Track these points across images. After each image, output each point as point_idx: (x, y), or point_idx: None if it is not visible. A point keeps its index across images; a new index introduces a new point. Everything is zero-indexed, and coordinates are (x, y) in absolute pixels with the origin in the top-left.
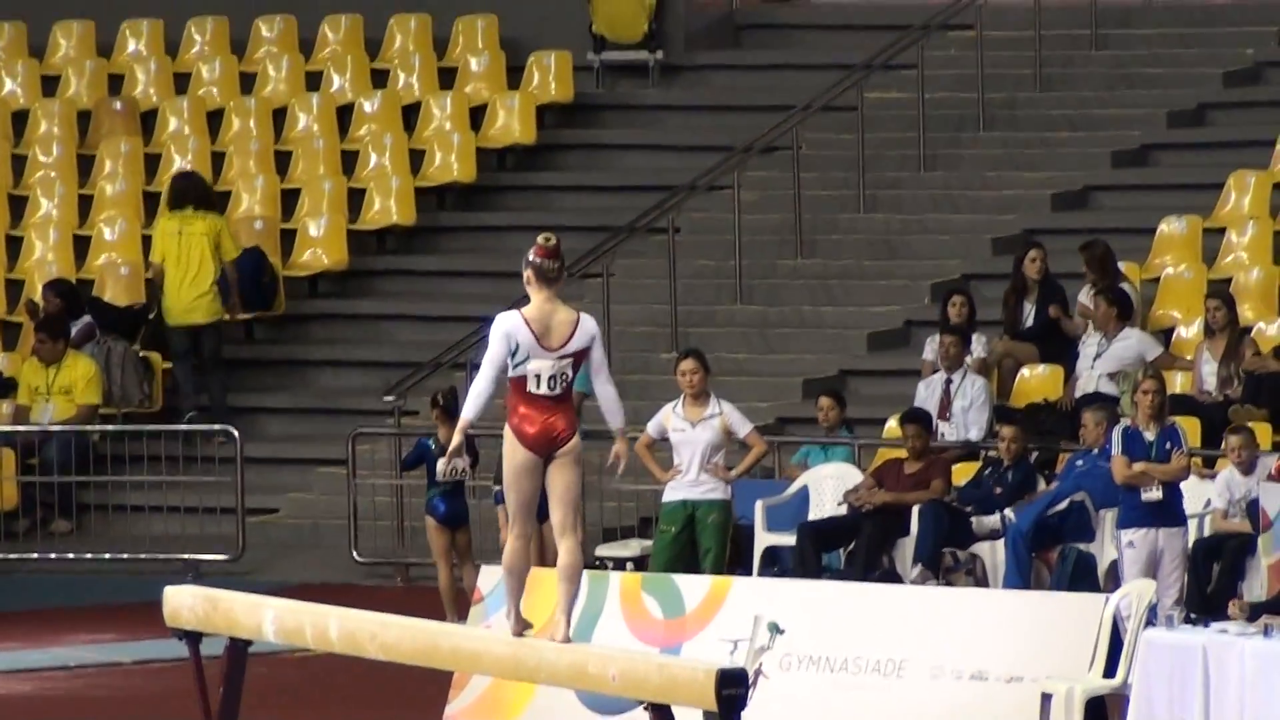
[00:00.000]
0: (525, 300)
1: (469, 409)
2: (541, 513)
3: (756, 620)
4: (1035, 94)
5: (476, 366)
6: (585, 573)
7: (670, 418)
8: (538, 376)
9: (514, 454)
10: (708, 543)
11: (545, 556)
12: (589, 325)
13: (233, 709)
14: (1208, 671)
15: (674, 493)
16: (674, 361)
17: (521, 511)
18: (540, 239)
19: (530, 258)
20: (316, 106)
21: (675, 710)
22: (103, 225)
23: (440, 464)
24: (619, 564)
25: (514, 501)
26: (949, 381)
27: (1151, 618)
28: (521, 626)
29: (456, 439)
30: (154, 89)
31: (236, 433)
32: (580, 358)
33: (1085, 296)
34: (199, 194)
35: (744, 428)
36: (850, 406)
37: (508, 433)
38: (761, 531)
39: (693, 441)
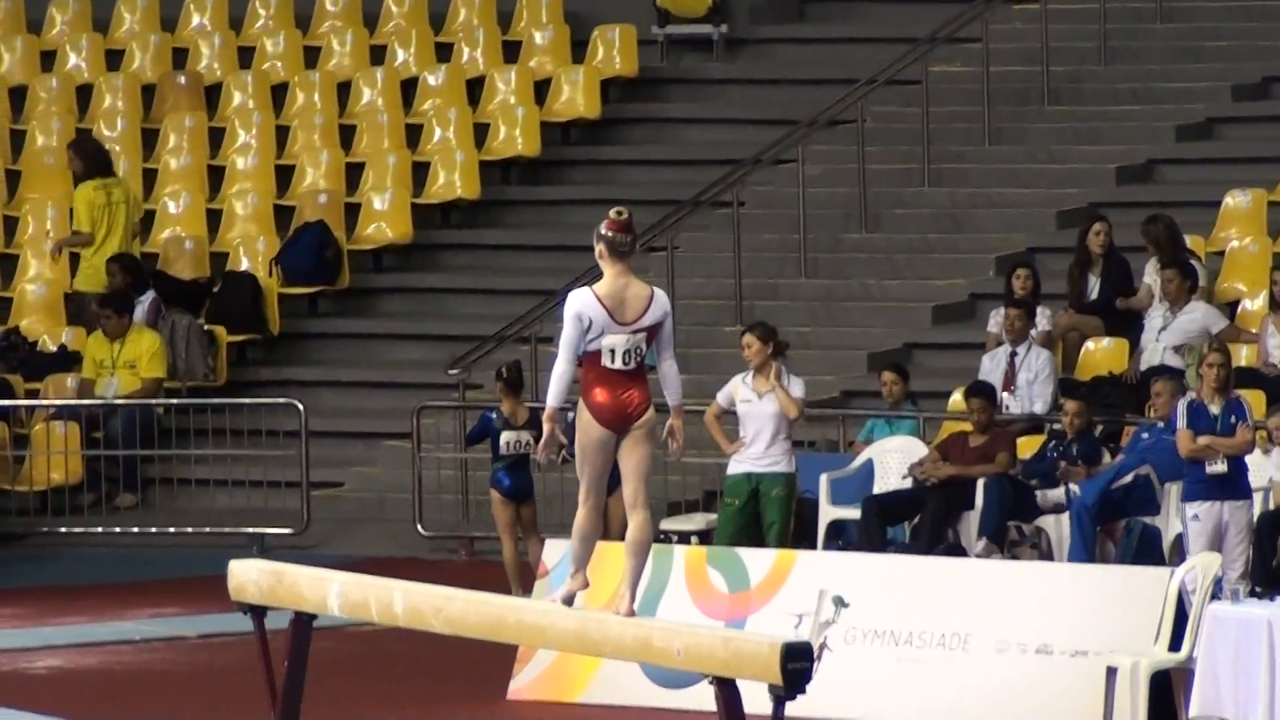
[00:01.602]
0: (593, 275)
1: (554, 395)
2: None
3: (821, 594)
4: (1099, 67)
5: (541, 340)
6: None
7: (739, 389)
8: (612, 351)
9: (588, 429)
10: (772, 516)
11: (611, 529)
12: (663, 300)
13: (297, 683)
14: (1273, 645)
15: (738, 465)
16: (739, 334)
17: (595, 484)
18: (612, 213)
19: (602, 231)
20: (381, 80)
21: (740, 684)
22: (167, 199)
23: (539, 456)
24: (684, 538)
25: (587, 475)
26: (1014, 355)
27: (1217, 591)
28: (580, 585)
29: (547, 427)
30: (218, 63)
31: (301, 406)
32: (654, 332)
33: (1150, 272)
34: (107, 160)
35: (794, 391)
36: (915, 380)
37: (581, 408)
38: (826, 505)
39: (759, 414)
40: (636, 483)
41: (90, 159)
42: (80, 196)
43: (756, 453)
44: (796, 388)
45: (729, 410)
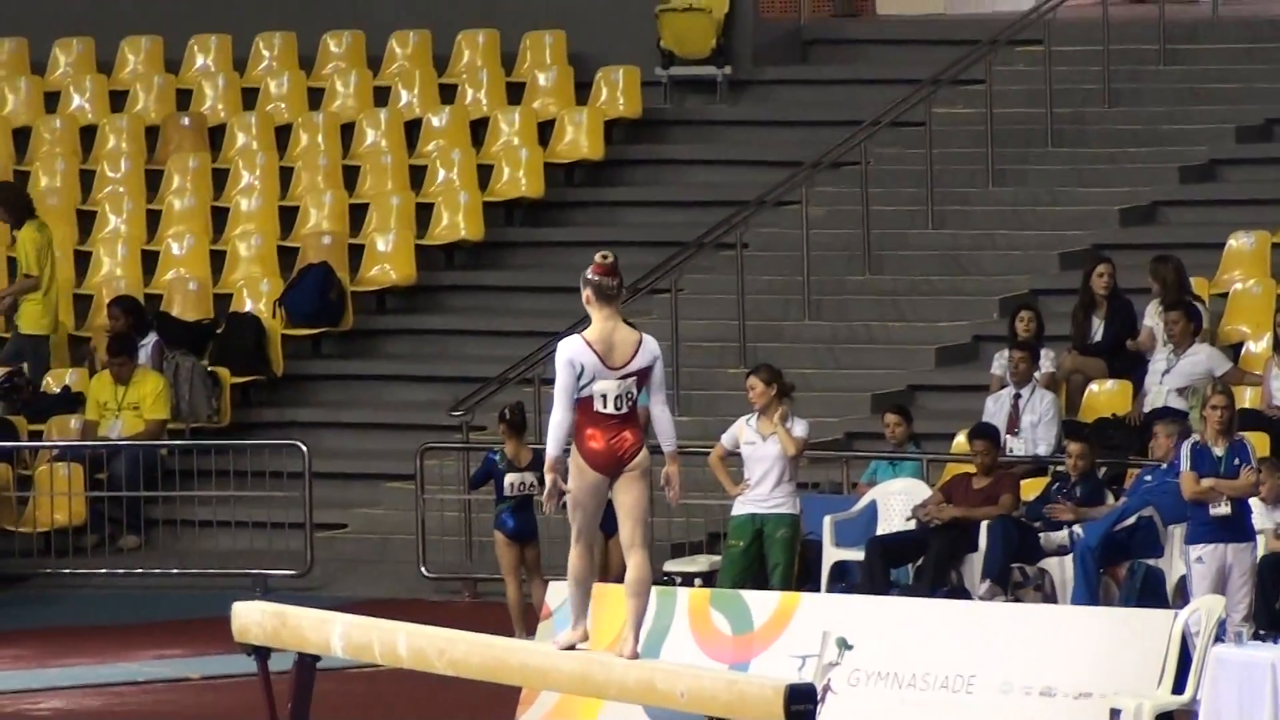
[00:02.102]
0: (586, 321)
1: (553, 444)
2: (606, 526)
3: (825, 636)
4: (1103, 109)
5: (545, 381)
6: (654, 588)
7: (744, 431)
8: (604, 396)
9: (581, 475)
10: (776, 558)
11: (611, 570)
12: (651, 345)
13: None
14: (1277, 687)
15: (743, 507)
16: (744, 376)
17: (586, 527)
18: (598, 257)
19: (588, 276)
20: (385, 121)
21: None
22: (170, 241)
23: (545, 508)
24: (687, 579)
25: (579, 519)
26: (1017, 396)
27: (1220, 633)
28: (580, 637)
29: (550, 478)
30: (222, 104)
31: (305, 448)
32: (644, 376)
33: (1152, 314)
34: (30, 202)
35: (796, 431)
36: (918, 422)
37: (574, 454)
38: (830, 547)
39: (764, 456)
40: (633, 524)
41: (17, 204)
42: (26, 238)
43: (761, 494)
44: (799, 429)
45: (733, 452)
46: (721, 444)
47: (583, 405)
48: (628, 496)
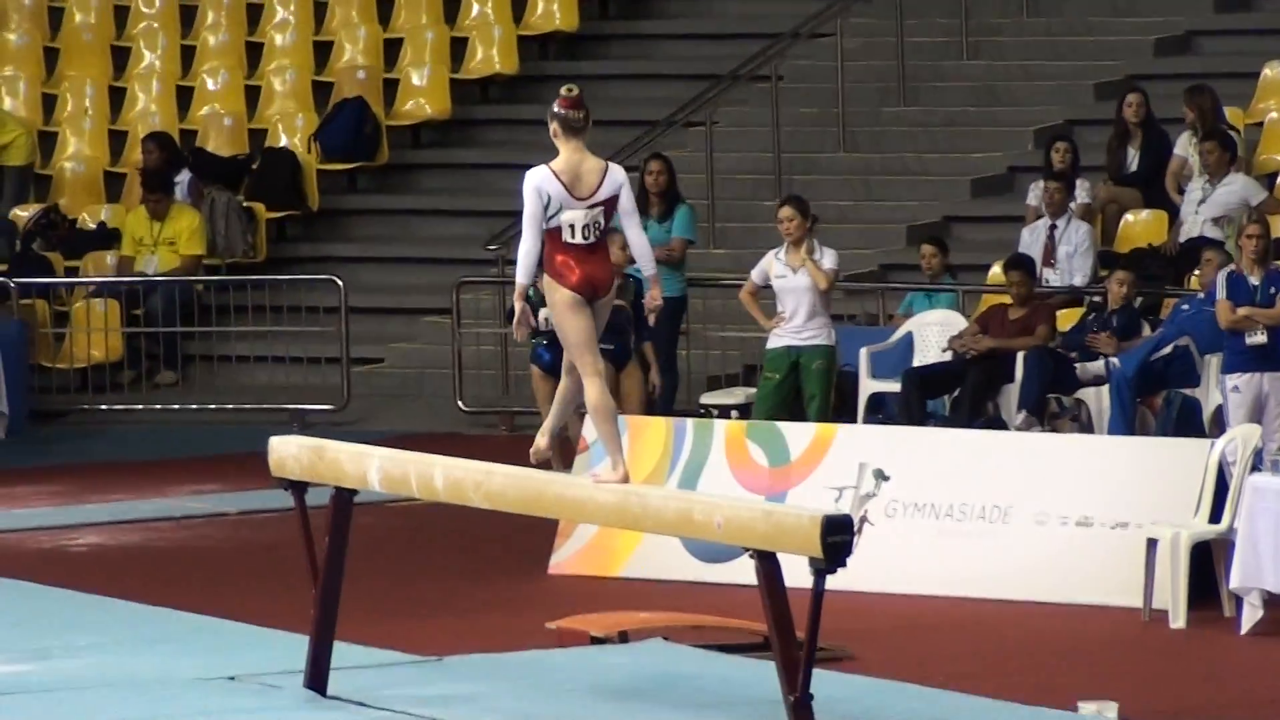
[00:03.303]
0: (631, 151)
1: (523, 271)
2: (621, 360)
3: (861, 467)
4: None
5: None
6: (690, 421)
7: (773, 264)
8: (571, 226)
9: (559, 296)
10: (812, 389)
11: (629, 404)
12: (617, 173)
13: (338, 558)
14: None
15: (778, 339)
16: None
17: (589, 350)
18: (563, 90)
19: (555, 109)
20: None
21: (781, 558)
22: (205, 76)
23: (516, 334)
24: (724, 411)
25: (576, 344)
26: (1053, 227)
27: (1257, 462)
28: (621, 478)
29: (519, 305)
30: None
31: (341, 282)
32: (611, 205)
33: (1184, 145)
34: None
35: (825, 263)
36: (954, 253)
37: (548, 281)
38: (866, 379)
39: (796, 288)
40: (594, 351)
41: None
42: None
43: (796, 326)
44: (829, 259)
45: (764, 286)
46: (752, 279)
47: (550, 236)
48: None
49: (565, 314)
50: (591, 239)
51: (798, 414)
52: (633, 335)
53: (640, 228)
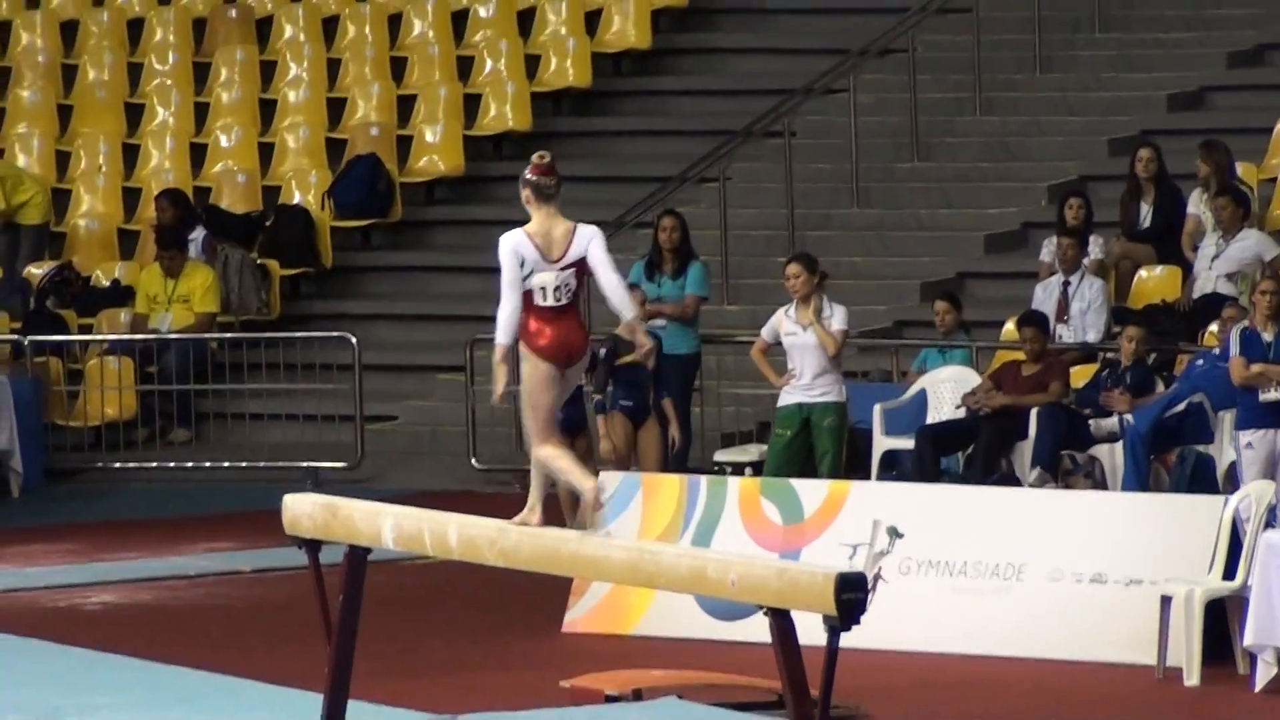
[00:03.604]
0: (643, 206)
1: (504, 333)
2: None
3: (875, 525)
4: None
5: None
6: (704, 478)
7: (783, 321)
8: (544, 289)
9: (534, 368)
10: (824, 446)
11: (646, 462)
12: (585, 231)
13: (353, 617)
14: None
15: (789, 396)
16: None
17: (548, 421)
18: (535, 157)
19: (526, 176)
20: (432, 12)
21: (795, 615)
22: (219, 133)
23: (496, 398)
24: (738, 469)
25: (538, 415)
26: (1066, 283)
27: (1271, 519)
28: (537, 520)
29: (502, 371)
30: None
31: (355, 340)
32: (582, 267)
33: (1196, 202)
34: None
35: (834, 324)
36: (967, 309)
37: (522, 349)
38: (880, 435)
39: (805, 345)
40: (554, 428)
41: None
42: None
43: (806, 383)
44: (839, 317)
45: (775, 343)
46: (762, 337)
47: (524, 300)
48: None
49: (538, 388)
50: (564, 301)
51: (809, 471)
52: (651, 392)
53: (614, 273)
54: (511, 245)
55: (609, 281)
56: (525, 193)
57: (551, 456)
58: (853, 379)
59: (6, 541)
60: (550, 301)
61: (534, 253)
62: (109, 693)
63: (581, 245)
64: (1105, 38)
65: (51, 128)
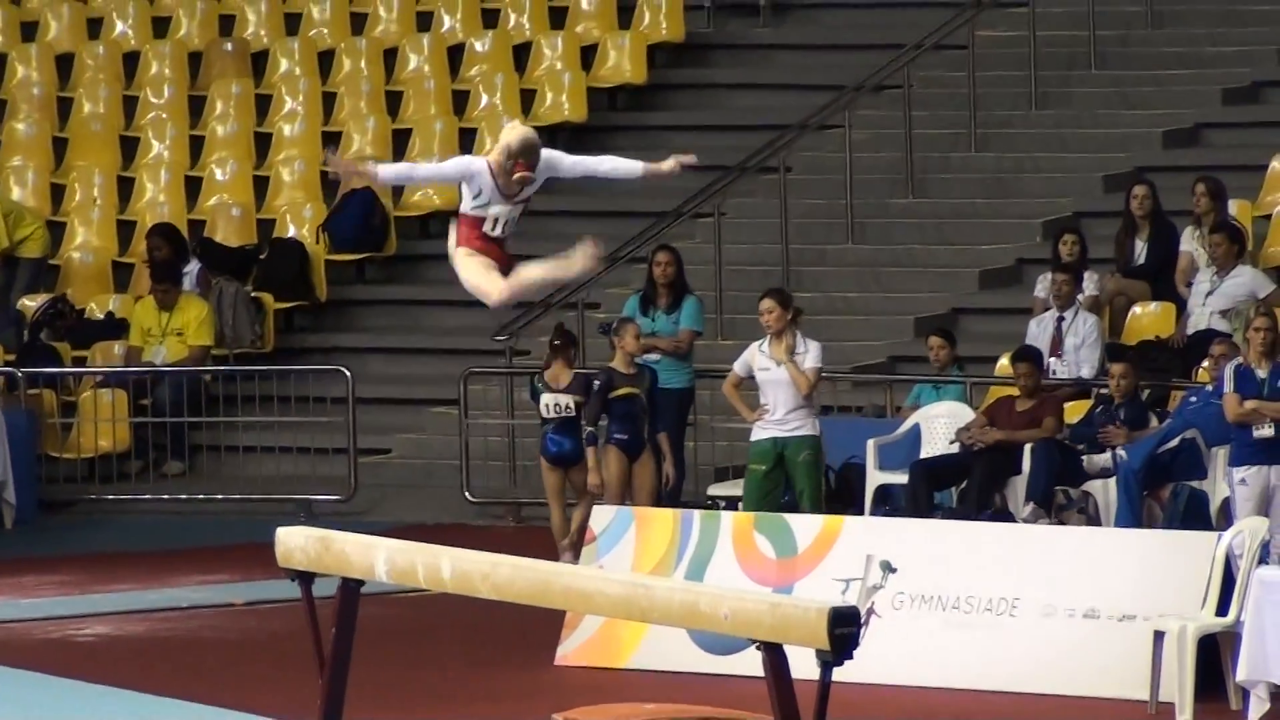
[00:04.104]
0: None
1: (390, 171)
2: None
3: (869, 559)
4: (1146, 31)
5: (589, 305)
6: (697, 512)
7: (756, 356)
8: (496, 219)
9: (463, 252)
10: (801, 483)
11: (639, 496)
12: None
13: (345, 649)
14: None
15: (762, 431)
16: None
17: (484, 276)
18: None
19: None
20: (428, 46)
21: (788, 650)
22: (214, 166)
23: (329, 162)
24: (731, 503)
25: (481, 277)
26: (1061, 319)
27: (1264, 555)
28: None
29: (358, 167)
30: (264, 30)
31: (349, 373)
32: (528, 200)
33: (1189, 239)
34: None
35: (807, 361)
36: (962, 345)
37: (452, 245)
38: (873, 470)
39: (778, 381)
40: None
41: None
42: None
43: (779, 418)
44: (813, 354)
45: (748, 377)
46: (735, 371)
47: (470, 223)
48: None
49: (465, 259)
50: (506, 234)
51: (786, 505)
52: (647, 426)
53: (583, 157)
54: (475, 169)
55: (593, 161)
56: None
57: (509, 282)
58: (847, 414)
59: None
60: (497, 232)
61: (492, 186)
62: None
63: (535, 184)
64: (1101, 74)
65: (46, 161)
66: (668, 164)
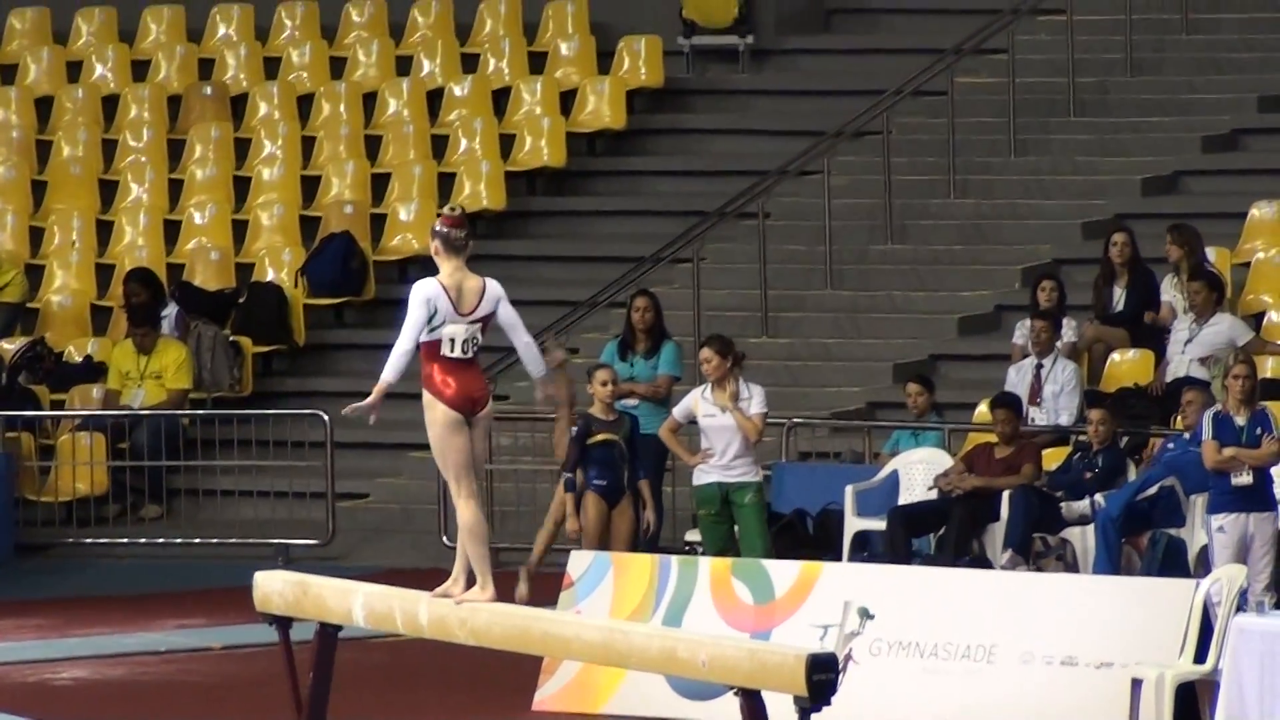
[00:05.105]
0: (618, 286)
1: (392, 370)
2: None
3: (846, 606)
4: (1126, 79)
5: (570, 350)
6: (675, 558)
7: (699, 404)
8: (452, 340)
9: (438, 414)
10: (748, 529)
11: (616, 541)
12: (494, 289)
13: (323, 694)
14: None
15: (705, 475)
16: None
17: (464, 472)
18: (445, 209)
19: (437, 228)
20: (407, 91)
21: (765, 696)
22: (193, 210)
23: (347, 408)
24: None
25: (452, 465)
26: (1039, 366)
27: (1242, 603)
28: (489, 597)
29: (376, 397)
30: (244, 74)
31: (327, 417)
32: (488, 322)
33: (1168, 288)
34: None
35: (753, 407)
36: (940, 391)
37: (426, 399)
38: (851, 516)
39: (723, 427)
40: (473, 474)
41: None
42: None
43: (724, 464)
44: (757, 400)
45: (689, 423)
46: (673, 417)
47: (428, 349)
48: (478, 445)
49: (445, 435)
50: (469, 354)
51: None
52: (627, 473)
53: (526, 334)
54: (427, 294)
55: (523, 342)
56: (434, 244)
57: (472, 533)
58: (825, 459)
59: None
60: (458, 354)
61: (447, 304)
62: None
63: (491, 302)
64: (1079, 121)
65: (25, 204)
66: (539, 393)
